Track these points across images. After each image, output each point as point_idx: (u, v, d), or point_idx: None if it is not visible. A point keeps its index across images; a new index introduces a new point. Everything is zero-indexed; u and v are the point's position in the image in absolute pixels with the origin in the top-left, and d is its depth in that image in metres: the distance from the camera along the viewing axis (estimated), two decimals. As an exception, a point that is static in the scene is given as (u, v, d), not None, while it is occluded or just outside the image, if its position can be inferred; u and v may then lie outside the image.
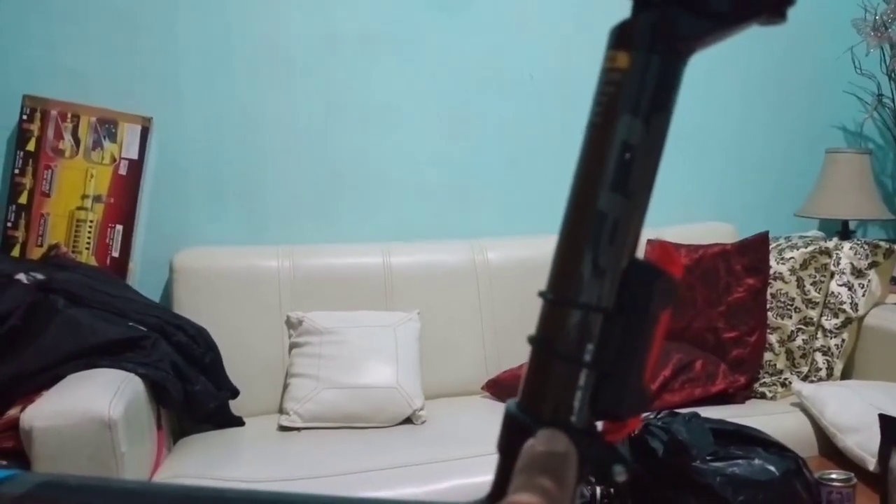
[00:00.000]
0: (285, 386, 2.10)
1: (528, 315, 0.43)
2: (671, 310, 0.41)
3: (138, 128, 2.22)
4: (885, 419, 1.52)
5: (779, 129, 2.84)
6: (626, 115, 0.40)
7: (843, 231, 2.68)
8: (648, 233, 2.50)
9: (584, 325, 0.41)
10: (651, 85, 0.40)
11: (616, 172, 0.40)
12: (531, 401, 0.42)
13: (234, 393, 2.06)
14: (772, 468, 1.37)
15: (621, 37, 0.41)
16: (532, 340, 0.43)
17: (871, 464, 1.71)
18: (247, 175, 2.35)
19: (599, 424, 0.43)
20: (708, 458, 1.36)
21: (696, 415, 1.43)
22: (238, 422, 2.03)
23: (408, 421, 2.05)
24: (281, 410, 2.06)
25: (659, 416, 1.46)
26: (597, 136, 0.41)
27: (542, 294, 0.42)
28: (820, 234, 2.54)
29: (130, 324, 1.90)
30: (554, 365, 0.42)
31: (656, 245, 0.46)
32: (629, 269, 0.41)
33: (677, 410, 1.50)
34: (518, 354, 2.07)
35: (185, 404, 1.91)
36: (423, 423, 2.05)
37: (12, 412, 1.63)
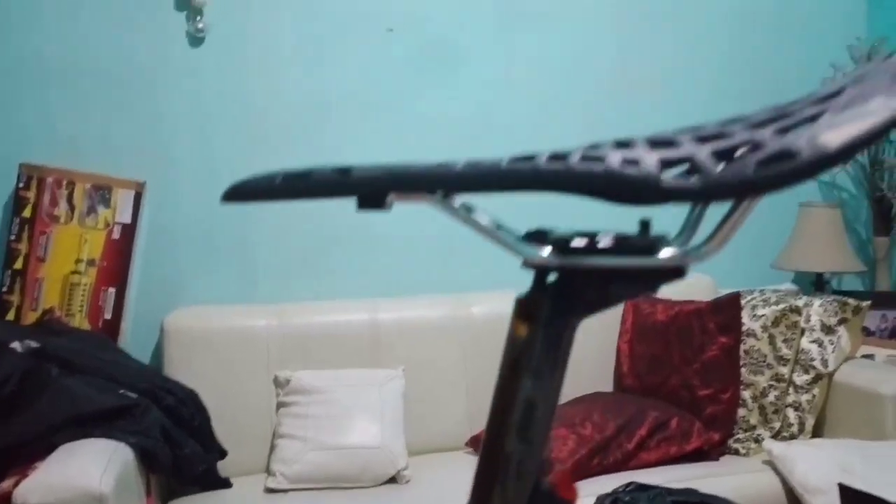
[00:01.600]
0: (272, 446, 2.16)
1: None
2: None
3: (132, 193, 2.30)
4: (843, 489, 1.59)
5: (755, 182, 2.92)
6: (527, 377, 0.47)
7: (818, 282, 2.76)
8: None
9: None
10: (548, 354, 0.47)
11: (519, 423, 0.48)
12: None
13: (223, 454, 2.12)
14: (734, 541, 1.43)
15: (522, 309, 0.48)
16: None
17: (836, 527, 1.78)
18: (238, 234, 2.42)
19: None
20: (673, 532, 1.43)
21: (661, 493, 1.50)
22: (226, 483, 2.09)
23: (392, 480, 2.11)
24: (268, 471, 2.12)
25: (627, 490, 1.53)
26: (504, 391, 0.49)
27: None
28: (793, 287, 2.62)
29: (121, 391, 1.96)
30: None
31: (557, 473, 0.52)
32: (532, 498, 0.49)
33: (646, 483, 1.57)
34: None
35: (174, 468, 1.97)
36: (407, 482, 2.11)
37: (5, 484, 1.69)
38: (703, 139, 0.42)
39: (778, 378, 2.30)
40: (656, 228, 0.46)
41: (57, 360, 1.98)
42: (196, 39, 2.32)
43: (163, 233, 2.34)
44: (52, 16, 2.24)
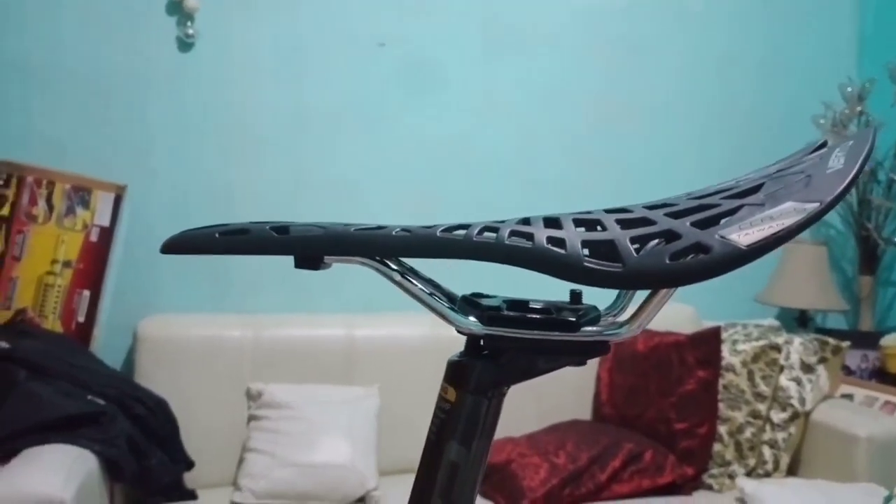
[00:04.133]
0: (241, 460, 2.13)
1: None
2: None
3: (112, 196, 2.27)
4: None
5: (742, 214, 2.91)
6: (453, 441, 0.47)
7: (801, 318, 2.75)
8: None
9: None
10: (474, 420, 0.47)
11: (443, 485, 0.47)
12: None
13: (190, 465, 2.09)
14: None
15: (452, 374, 0.47)
16: None
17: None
18: (217, 243, 2.40)
19: None
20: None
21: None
22: (191, 496, 2.06)
23: (361, 500, 2.08)
24: (235, 485, 2.09)
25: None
26: (431, 452, 0.48)
27: None
28: (776, 322, 2.61)
29: (89, 397, 1.93)
30: None
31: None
32: None
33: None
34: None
35: (139, 479, 1.94)
36: (377, 503, 2.08)
37: (-37, 490, 1.66)
38: (626, 223, 0.42)
39: (755, 415, 2.28)
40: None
41: (26, 363, 1.95)
42: (185, 45, 2.30)
43: (141, 237, 2.31)
44: (38, 17, 2.22)
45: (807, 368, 2.32)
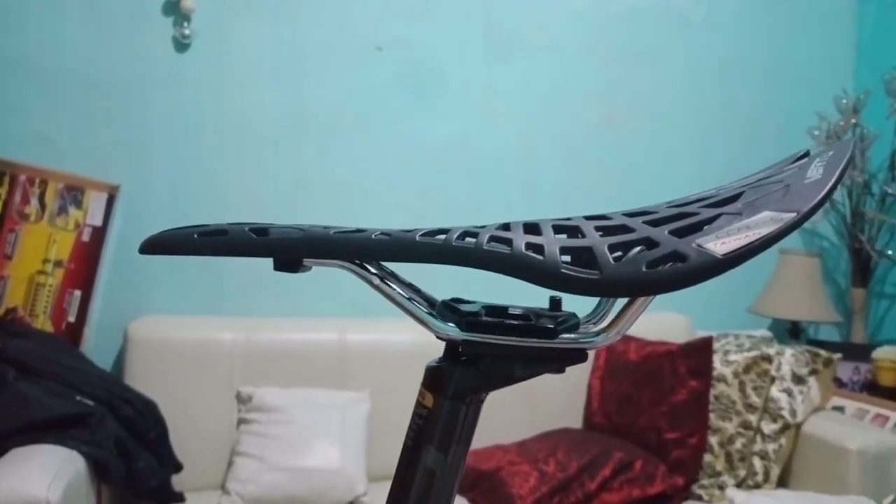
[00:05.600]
0: (230, 463, 2.12)
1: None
2: None
3: (104, 195, 2.27)
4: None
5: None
6: (430, 447, 0.46)
7: (794, 330, 2.75)
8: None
9: None
10: (451, 425, 0.46)
11: (419, 492, 0.47)
12: None
13: (178, 468, 2.08)
14: None
15: (430, 380, 0.47)
16: None
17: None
18: (210, 245, 2.39)
19: None
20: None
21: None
22: (179, 498, 2.05)
23: (350, 505, 2.07)
24: (223, 488, 2.08)
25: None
26: (407, 458, 0.47)
27: None
28: (768, 334, 2.61)
29: (78, 398, 1.92)
30: None
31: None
32: None
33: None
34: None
35: (127, 481, 1.93)
36: (364, 509, 2.07)
37: (-51, 489, 1.65)
38: (606, 230, 0.42)
39: (746, 425, 2.28)
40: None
41: (15, 363, 1.94)
42: (181, 45, 2.30)
43: (136, 238, 2.29)
44: (37, 16, 2.22)
45: (798, 380, 2.32)
